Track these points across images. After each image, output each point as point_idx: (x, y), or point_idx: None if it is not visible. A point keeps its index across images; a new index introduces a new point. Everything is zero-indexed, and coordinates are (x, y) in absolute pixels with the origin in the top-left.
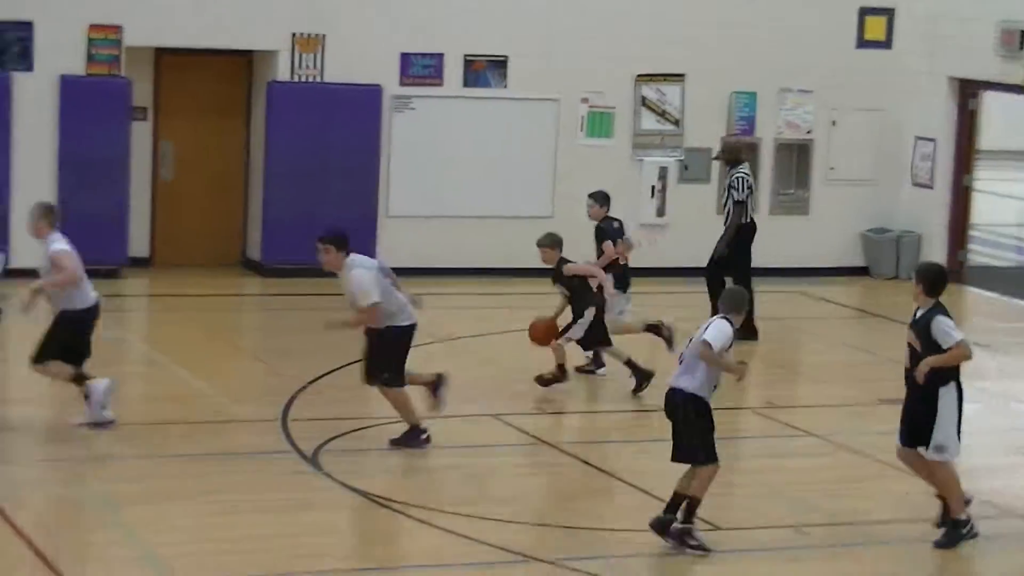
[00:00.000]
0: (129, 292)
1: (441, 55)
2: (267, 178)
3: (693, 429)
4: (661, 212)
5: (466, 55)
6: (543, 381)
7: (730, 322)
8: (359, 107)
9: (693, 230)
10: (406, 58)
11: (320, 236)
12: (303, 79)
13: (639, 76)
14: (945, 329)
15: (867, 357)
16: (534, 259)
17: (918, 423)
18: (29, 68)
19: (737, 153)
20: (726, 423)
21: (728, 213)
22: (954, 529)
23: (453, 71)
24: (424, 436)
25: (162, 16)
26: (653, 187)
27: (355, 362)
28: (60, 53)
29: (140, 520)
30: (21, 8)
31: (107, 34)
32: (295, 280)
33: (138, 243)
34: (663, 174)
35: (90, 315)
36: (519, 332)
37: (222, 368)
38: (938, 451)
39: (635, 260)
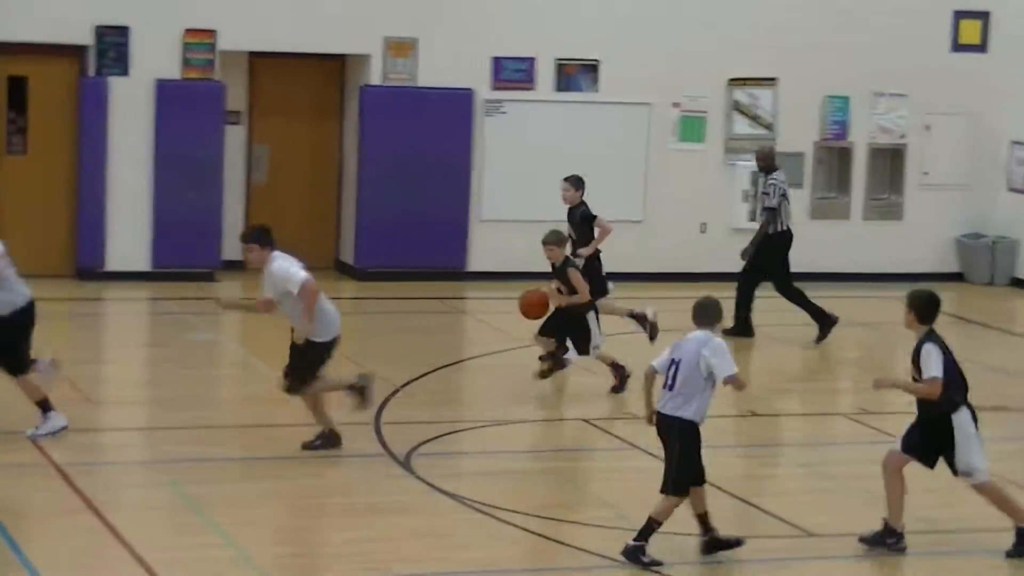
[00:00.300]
0: (223, 295)
1: (533, 59)
2: (360, 182)
3: (691, 457)
4: (753, 217)
5: (558, 59)
6: (615, 389)
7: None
8: (451, 111)
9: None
10: (498, 62)
11: (242, 236)
12: (395, 83)
13: (731, 80)
14: (927, 360)
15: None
16: (625, 263)
17: (925, 441)
18: (125, 72)
19: (772, 160)
20: (818, 429)
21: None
22: (1022, 539)
23: (545, 75)
24: (362, 388)
25: (256, 20)
26: (745, 192)
27: (448, 365)
28: (156, 57)
29: (233, 522)
30: (118, 13)
31: (202, 38)
32: (388, 283)
33: (232, 246)
34: (755, 179)
35: (28, 313)
36: (610, 336)
37: None
38: (966, 475)
39: (724, 266)
